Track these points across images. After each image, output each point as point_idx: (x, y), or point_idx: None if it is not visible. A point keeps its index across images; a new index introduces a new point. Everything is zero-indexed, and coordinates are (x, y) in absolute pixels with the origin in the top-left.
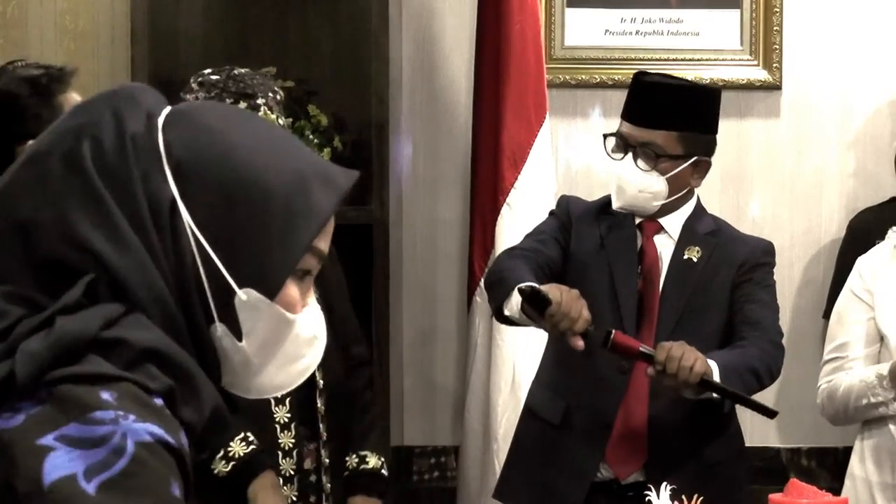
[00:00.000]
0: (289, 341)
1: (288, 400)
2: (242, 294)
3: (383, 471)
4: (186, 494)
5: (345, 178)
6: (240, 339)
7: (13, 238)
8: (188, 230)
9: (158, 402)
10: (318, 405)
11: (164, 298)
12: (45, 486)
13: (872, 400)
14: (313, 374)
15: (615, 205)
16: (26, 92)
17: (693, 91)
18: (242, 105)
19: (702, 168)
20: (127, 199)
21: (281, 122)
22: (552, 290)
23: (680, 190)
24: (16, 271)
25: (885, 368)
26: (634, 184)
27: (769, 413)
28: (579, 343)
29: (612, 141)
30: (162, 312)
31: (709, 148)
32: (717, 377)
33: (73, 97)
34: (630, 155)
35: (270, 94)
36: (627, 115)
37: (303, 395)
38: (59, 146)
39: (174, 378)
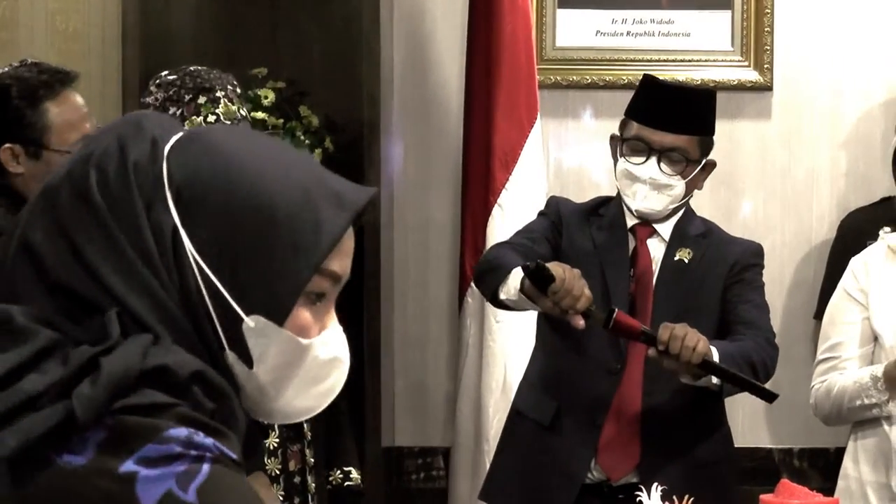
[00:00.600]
0: (305, 365)
1: None
2: (250, 321)
3: (362, 484)
4: None
5: (357, 196)
6: (251, 367)
7: (26, 262)
8: (191, 258)
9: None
10: None
11: (180, 327)
12: None
13: (866, 401)
14: None
15: (636, 207)
16: (15, 93)
17: (706, 95)
18: (202, 99)
19: (709, 171)
20: (132, 229)
21: (243, 112)
22: (555, 268)
23: (690, 193)
24: (31, 293)
25: (879, 370)
26: (660, 187)
27: (770, 396)
28: (580, 322)
29: (632, 144)
30: (181, 340)
31: (709, 151)
32: (717, 360)
33: (74, 99)
34: (654, 159)
35: (230, 87)
36: (648, 119)
37: None
38: (69, 176)
39: (215, 400)
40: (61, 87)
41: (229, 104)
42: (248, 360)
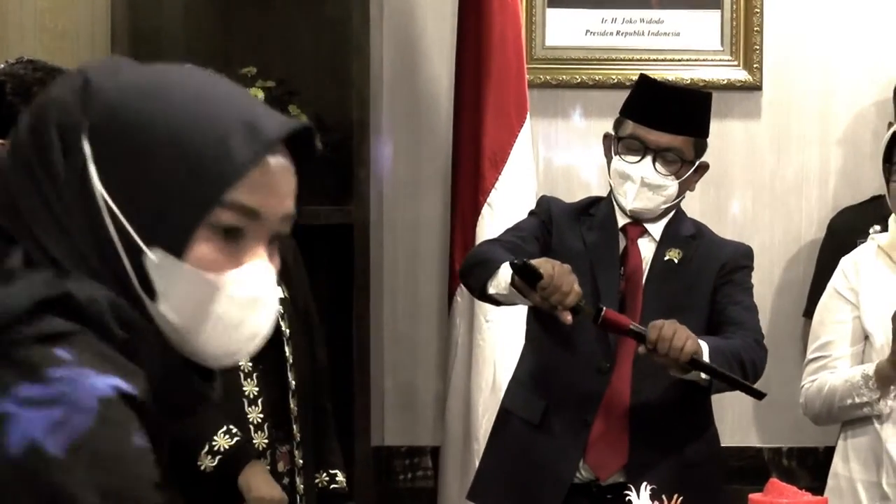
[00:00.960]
0: (219, 305)
1: (261, 400)
2: (151, 254)
3: (345, 486)
4: (151, 444)
5: (276, 127)
6: (153, 300)
7: None
8: (97, 191)
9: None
10: (291, 406)
11: (89, 262)
12: (11, 457)
13: (857, 400)
14: (285, 375)
15: (629, 206)
16: (9, 90)
17: (702, 97)
18: None
19: (702, 173)
20: (48, 164)
21: None
22: (544, 264)
23: (683, 193)
24: None
25: (870, 368)
26: (654, 187)
27: (758, 394)
28: (568, 317)
29: (628, 144)
30: (92, 275)
31: (703, 153)
32: (706, 358)
33: None
34: (649, 158)
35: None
36: (645, 119)
37: (276, 396)
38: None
39: (127, 330)
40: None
41: None
42: (152, 294)
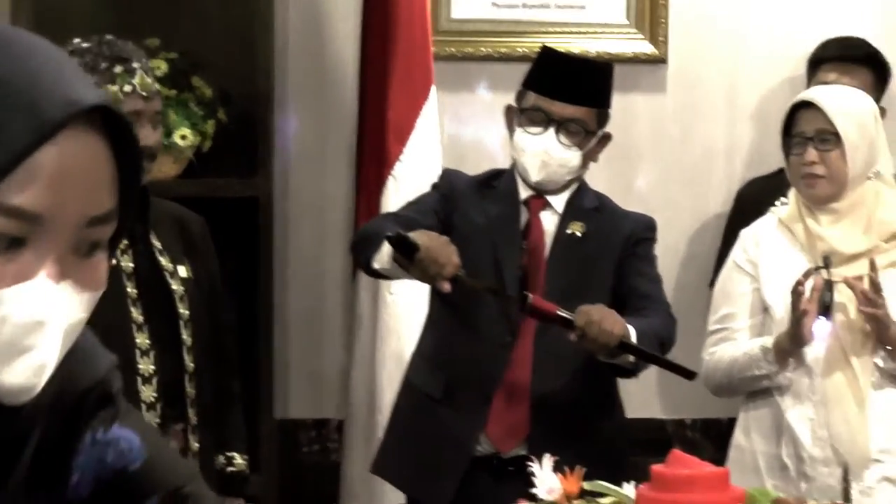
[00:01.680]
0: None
1: (155, 380)
2: None
3: (246, 469)
4: None
5: (61, 108)
6: None
7: None
8: None
9: None
10: (187, 388)
11: None
12: None
13: (757, 372)
14: (181, 356)
15: (532, 178)
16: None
17: (605, 68)
18: (118, 69)
19: (605, 143)
20: None
21: (157, 87)
22: (420, 236)
23: (587, 165)
24: None
25: (769, 341)
26: (558, 158)
27: (688, 374)
28: (446, 286)
29: (531, 116)
30: None
31: (605, 124)
32: (634, 340)
33: None
34: (552, 130)
35: (144, 60)
36: (548, 90)
37: (169, 377)
38: None
39: None
40: None
41: (145, 76)
42: None
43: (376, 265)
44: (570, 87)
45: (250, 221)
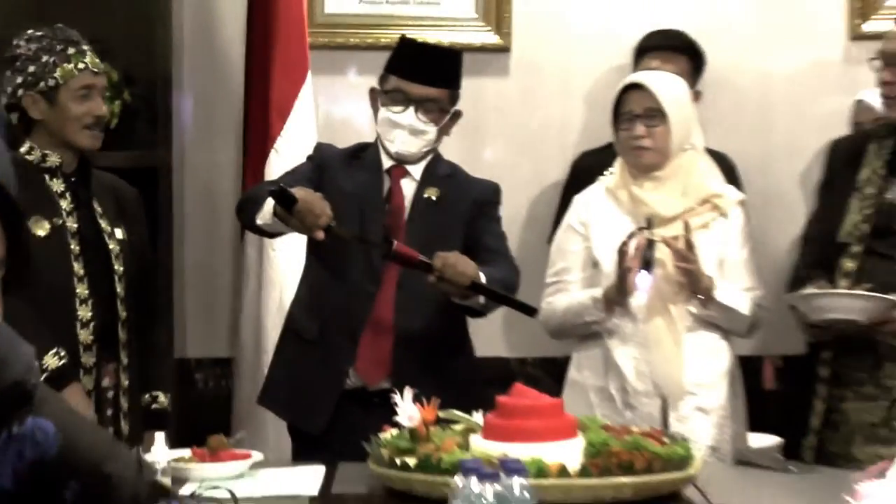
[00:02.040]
0: None
1: (92, 325)
2: None
3: (168, 407)
4: None
5: None
6: None
7: None
8: None
9: None
10: (120, 334)
11: None
12: None
13: (588, 319)
14: (116, 307)
15: (395, 150)
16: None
17: (456, 54)
18: (71, 50)
19: (456, 119)
20: None
21: (102, 66)
22: (298, 191)
23: (441, 138)
24: None
25: (598, 292)
26: (417, 132)
27: (530, 311)
28: (320, 235)
29: (393, 96)
30: None
31: (456, 102)
32: (484, 282)
33: None
34: (412, 108)
35: (89, 44)
36: (407, 74)
37: (104, 323)
38: None
39: None
40: None
41: (94, 56)
42: None
43: (259, 221)
44: (426, 72)
45: (151, 189)
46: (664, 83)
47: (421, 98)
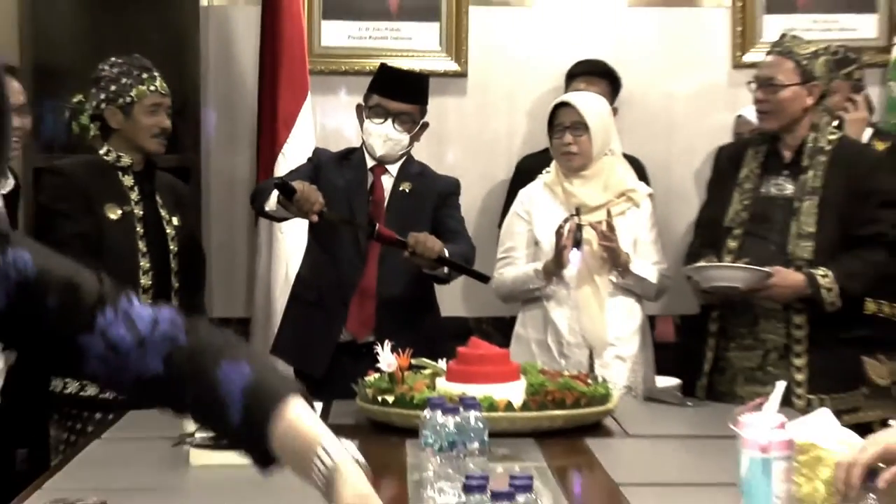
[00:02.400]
0: None
1: (151, 292)
2: None
3: None
4: None
5: None
6: None
7: None
8: None
9: None
10: (173, 300)
11: None
12: None
13: (531, 286)
14: (170, 277)
15: (377, 154)
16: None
17: (424, 78)
18: (145, 75)
19: (424, 129)
20: None
21: (167, 89)
22: (297, 184)
23: (413, 144)
24: None
25: (540, 265)
26: (394, 140)
27: (484, 279)
28: (314, 218)
29: (375, 111)
30: None
31: (425, 115)
32: (447, 256)
33: None
34: (390, 120)
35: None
36: (386, 93)
37: (160, 290)
38: None
39: None
40: None
41: (162, 81)
42: None
43: (267, 208)
44: (401, 91)
45: (185, 182)
46: (587, 101)
47: (397, 112)
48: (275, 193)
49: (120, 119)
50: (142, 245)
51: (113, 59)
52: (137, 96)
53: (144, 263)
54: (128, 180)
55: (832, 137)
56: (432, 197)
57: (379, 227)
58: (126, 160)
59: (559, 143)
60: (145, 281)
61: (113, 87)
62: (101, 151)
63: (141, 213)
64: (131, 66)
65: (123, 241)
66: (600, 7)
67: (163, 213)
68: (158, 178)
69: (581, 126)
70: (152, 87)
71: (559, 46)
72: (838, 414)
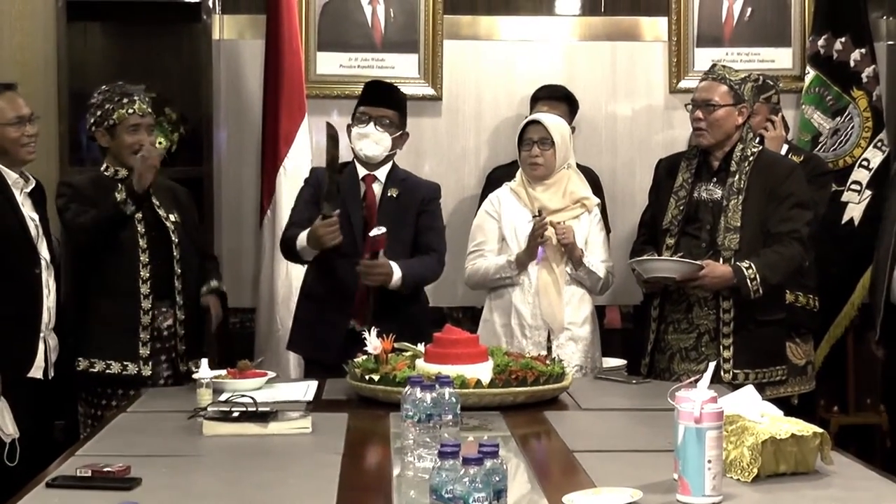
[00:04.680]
0: None
1: (150, 282)
2: None
3: (222, 287)
4: None
5: None
6: None
7: None
8: None
9: None
10: (176, 285)
11: None
12: None
13: (503, 275)
14: (173, 263)
15: (363, 154)
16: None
17: (397, 89)
18: (125, 100)
19: (405, 138)
20: None
21: (149, 110)
22: (306, 234)
23: (395, 149)
24: None
25: (512, 256)
26: (376, 138)
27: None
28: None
29: (359, 118)
30: None
31: (404, 128)
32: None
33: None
34: (372, 123)
35: (142, 95)
36: (368, 100)
37: (164, 277)
38: None
39: None
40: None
41: (141, 103)
42: None
43: (304, 258)
44: (379, 97)
45: (199, 193)
46: (554, 121)
47: (378, 115)
48: (301, 242)
49: (107, 139)
50: (143, 242)
51: (102, 87)
52: (118, 119)
53: (144, 258)
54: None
55: (755, 150)
56: (417, 200)
57: (372, 239)
58: (123, 173)
59: (527, 155)
60: (144, 273)
61: (99, 112)
62: (102, 168)
63: (139, 214)
64: (113, 92)
65: (126, 240)
66: (555, 41)
67: (160, 212)
68: (156, 185)
69: (548, 141)
70: (131, 110)
71: (520, 74)
72: (761, 387)
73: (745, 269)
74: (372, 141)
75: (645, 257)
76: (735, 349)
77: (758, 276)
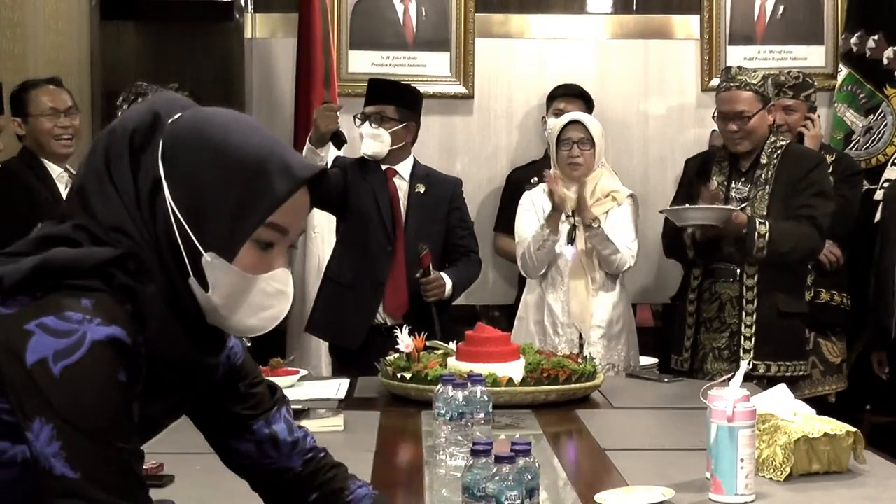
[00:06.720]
0: (253, 294)
1: None
2: (207, 256)
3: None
4: (134, 380)
5: (304, 170)
6: (207, 290)
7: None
8: (168, 204)
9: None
10: None
11: (144, 252)
12: (27, 363)
13: (539, 241)
14: None
15: (363, 151)
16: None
17: (403, 85)
18: (140, 100)
19: (412, 130)
20: (119, 174)
21: None
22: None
23: (400, 142)
24: (70, 216)
25: (543, 219)
26: (370, 135)
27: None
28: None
29: (361, 117)
30: (143, 262)
31: (416, 121)
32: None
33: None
34: (367, 122)
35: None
36: (366, 100)
37: None
38: (98, 139)
39: (133, 301)
40: (36, 88)
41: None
42: (205, 285)
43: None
44: (372, 96)
45: None
46: (593, 121)
47: (371, 112)
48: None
49: None
50: None
51: (130, 88)
52: None
53: None
54: None
55: (783, 142)
56: (445, 195)
57: (424, 255)
58: None
59: (567, 154)
60: None
61: (126, 108)
62: None
63: None
64: (130, 93)
65: None
66: (587, 39)
67: None
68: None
69: (588, 142)
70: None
71: (552, 73)
72: (786, 382)
73: (759, 224)
74: (368, 138)
75: (678, 207)
76: (756, 340)
77: (769, 234)
